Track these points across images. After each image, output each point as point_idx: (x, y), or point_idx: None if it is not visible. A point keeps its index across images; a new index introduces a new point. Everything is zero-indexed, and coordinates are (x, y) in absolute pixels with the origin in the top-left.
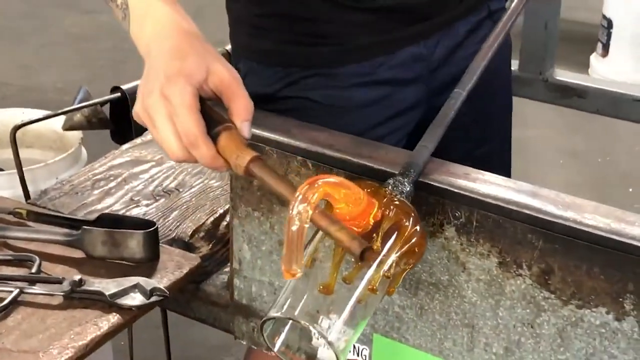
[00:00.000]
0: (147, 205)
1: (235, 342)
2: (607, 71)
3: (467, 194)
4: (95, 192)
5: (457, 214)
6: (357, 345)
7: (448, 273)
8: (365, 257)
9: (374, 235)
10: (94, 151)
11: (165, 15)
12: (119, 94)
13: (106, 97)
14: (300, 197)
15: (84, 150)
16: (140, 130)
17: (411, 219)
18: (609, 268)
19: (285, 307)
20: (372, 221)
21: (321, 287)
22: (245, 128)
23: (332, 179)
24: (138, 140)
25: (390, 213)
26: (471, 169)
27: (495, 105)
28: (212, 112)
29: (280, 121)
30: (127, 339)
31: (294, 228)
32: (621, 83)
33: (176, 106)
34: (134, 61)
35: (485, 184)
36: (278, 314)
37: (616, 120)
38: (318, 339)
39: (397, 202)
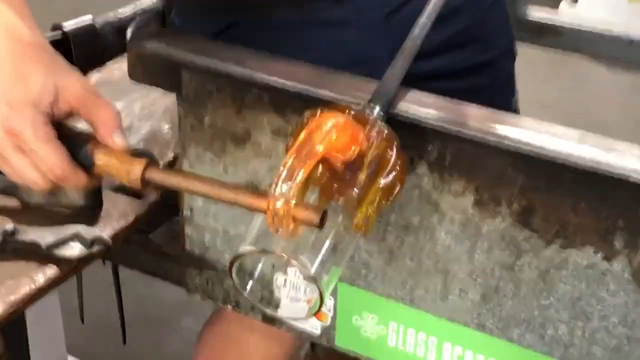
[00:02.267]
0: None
1: (196, 300)
2: (576, 18)
3: (439, 124)
4: None
5: (428, 148)
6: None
7: (419, 214)
8: (324, 223)
9: (359, 167)
10: None
11: (4, 25)
12: (60, 33)
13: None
14: (285, 173)
15: None
16: (85, 68)
17: (394, 148)
18: (597, 203)
19: (257, 242)
20: (354, 150)
21: None
22: (117, 139)
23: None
24: None
25: (375, 141)
26: (443, 97)
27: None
28: (73, 131)
29: (233, 51)
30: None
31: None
32: (597, 21)
33: (29, 141)
34: None
35: (460, 114)
36: (253, 248)
37: (589, 68)
38: (285, 284)
39: (381, 129)
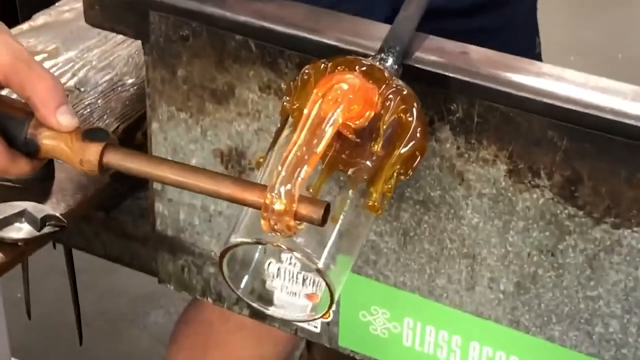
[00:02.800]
0: None
1: (166, 290)
2: None
3: (465, 78)
4: None
5: (452, 107)
6: (321, 283)
7: (440, 187)
8: (325, 218)
9: (373, 135)
10: None
11: None
12: None
13: None
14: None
15: None
16: (28, 12)
17: (414, 110)
18: None
19: (251, 230)
20: (369, 115)
21: None
22: (62, 119)
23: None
24: (25, 26)
25: (392, 104)
26: (470, 45)
27: None
28: (11, 106)
29: None
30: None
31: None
32: None
33: None
34: None
35: (491, 65)
36: (246, 239)
37: (636, 8)
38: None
39: (399, 88)
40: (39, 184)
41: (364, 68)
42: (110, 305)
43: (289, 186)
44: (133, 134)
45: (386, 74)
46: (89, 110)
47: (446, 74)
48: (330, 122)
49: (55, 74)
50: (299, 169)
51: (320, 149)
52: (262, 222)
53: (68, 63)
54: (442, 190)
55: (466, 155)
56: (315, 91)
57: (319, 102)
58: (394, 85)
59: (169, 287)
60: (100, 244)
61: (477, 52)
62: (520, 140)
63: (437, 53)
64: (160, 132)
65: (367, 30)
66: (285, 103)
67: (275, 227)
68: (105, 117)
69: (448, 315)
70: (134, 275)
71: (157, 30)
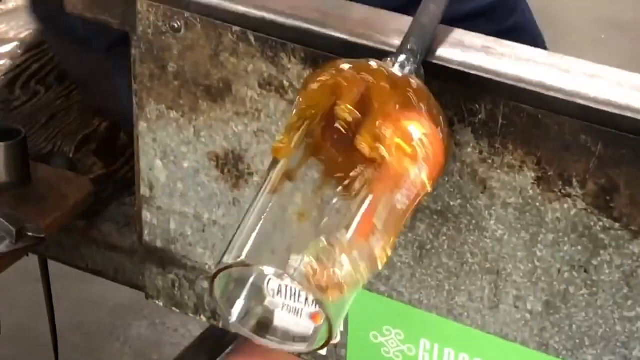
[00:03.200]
0: (14, 108)
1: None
2: None
3: (490, 76)
4: None
5: (474, 108)
6: None
7: (461, 196)
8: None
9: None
10: None
11: None
12: None
13: None
14: None
15: None
16: None
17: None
18: None
19: (247, 249)
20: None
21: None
22: None
23: None
24: None
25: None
26: (495, 39)
27: None
28: None
29: None
30: None
31: None
32: None
33: None
34: None
35: (518, 61)
36: (235, 260)
37: None
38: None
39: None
40: (15, 190)
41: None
42: (88, 317)
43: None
44: (117, 134)
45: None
46: (66, 106)
47: (467, 71)
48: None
49: (32, 66)
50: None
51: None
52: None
53: (45, 53)
54: (462, 199)
55: (490, 161)
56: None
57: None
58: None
59: (156, 303)
60: (80, 256)
61: (502, 47)
62: (550, 145)
63: (457, 47)
64: (149, 132)
65: (381, 22)
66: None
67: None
68: (85, 114)
69: (469, 336)
70: (112, 284)
71: (145, 20)
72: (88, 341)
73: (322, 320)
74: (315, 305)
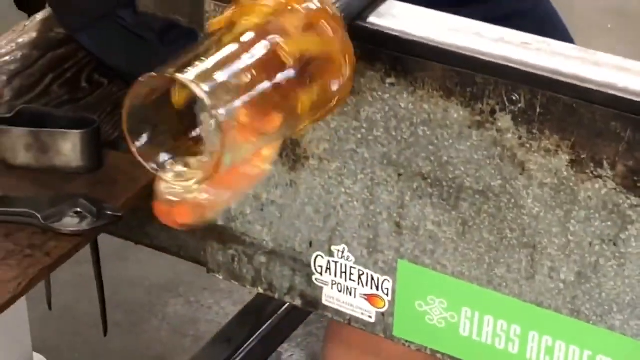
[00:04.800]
0: (80, 98)
1: (184, 279)
2: None
3: (528, 69)
4: (4, 78)
5: (514, 97)
6: (375, 276)
7: (501, 176)
8: None
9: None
10: None
11: None
12: None
13: None
14: None
15: None
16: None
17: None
18: None
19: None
20: None
21: None
22: None
23: None
24: None
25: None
26: (532, 36)
27: None
28: None
29: None
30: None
31: None
32: None
33: None
34: None
35: (553, 56)
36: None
37: None
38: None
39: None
40: (89, 174)
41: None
42: (127, 296)
43: None
44: None
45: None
46: None
47: (509, 65)
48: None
49: (95, 60)
50: None
51: None
52: None
53: None
54: (502, 180)
55: (528, 145)
56: None
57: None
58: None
59: (185, 276)
60: (146, 235)
61: (538, 43)
62: (583, 131)
63: (499, 42)
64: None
65: None
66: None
67: None
68: None
69: (507, 304)
70: (148, 264)
71: (212, 19)
72: (129, 318)
73: (385, 303)
74: (372, 286)
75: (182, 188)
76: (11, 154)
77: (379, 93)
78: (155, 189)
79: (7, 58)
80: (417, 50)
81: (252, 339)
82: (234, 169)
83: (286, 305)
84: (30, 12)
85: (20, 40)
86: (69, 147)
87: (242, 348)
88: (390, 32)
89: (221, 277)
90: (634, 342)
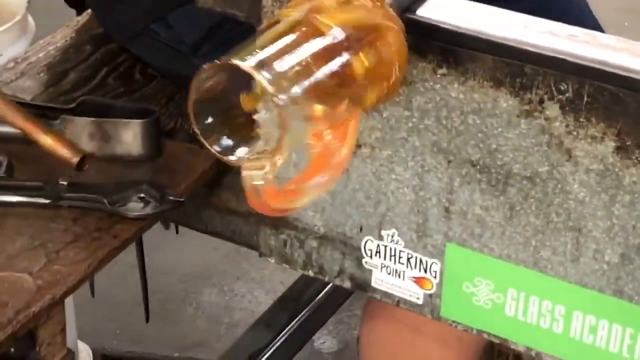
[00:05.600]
0: (135, 90)
1: (217, 268)
2: None
3: (576, 60)
4: (61, 71)
5: (562, 87)
6: (424, 259)
7: (548, 163)
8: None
9: None
10: (43, 20)
11: None
12: None
13: None
14: None
15: (30, 18)
16: None
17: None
18: None
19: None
20: None
21: None
22: None
23: None
24: None
25: None
26: (578, 28)
27: None
28: None
29: None
30: None
31: None
32: None
33: None
34: None
35: (599, 47)
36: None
37: None
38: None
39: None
40: (149, 162)
41: None
42: (161, 284)
43: None
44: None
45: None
46: None
47: (558, 56)
48: None
49: None
50: None
51: None
52: None
53: None
54: (549, 166)
55: (575, 133)
56: None
57: None
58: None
59: (218, 266)
60: (201, 220)
61: (584, 35)
62: (628, 119)
63: (546, 34)
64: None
65: None
66: None
67: None
68: None
69: (552, 285)
70: (181, 254)
71: (269, 14)
72: (164, 306)
73: (432, 285)
74: (420, 269)
75: (260, 174)
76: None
77: (431, 83)
78: (242, 179)
79: (62, 52)
80: (468, 42)
81: (291, 325)
82: (320, 156)
83: (323, 292)
84: (79, 8)
85: (74, 35)
86: (130, 136)
87: (283, 333)
88: (442, 25)
89: (273, 261)
90: None
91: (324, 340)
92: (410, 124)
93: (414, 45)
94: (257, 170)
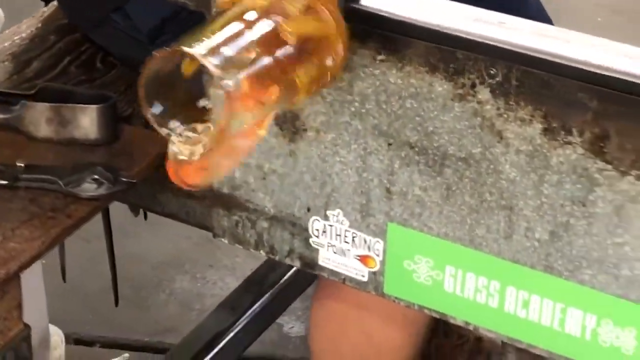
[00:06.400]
0: (96, 78)
1: (189, 256)
2: None
3: (505, 46)
4: (26, 60)
5: (492, 72)
6: (367, 238)
7: (481, 144)
8: None
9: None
10: (11, 9)
11: None
12: None
13: None
14: None
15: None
16: None
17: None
18: None
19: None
20: None
21: None
22: None
23: None
24: None
25: None
26: (507, 16)
27: None
28: None
29: None
30: (58, 257)
31: None
32: None
33: None
34: None
35: (527, 34)
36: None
37: None
38: (325, 231)
39: None
40: (105, 146)
41: None
42: (134, 272)
43: None
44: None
45: None
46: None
47: (488, 42)
48: None
49: None
50: None
51: None
52: None
53: None
54: (482, 148)
55: (505, 116)
56: None
57: None
58: None
59: (190, 254)
60: (157, 202)
61: (514, 22)
62: (554, 102)
63: (478, 22)
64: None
65: None
66: None
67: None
68: None
69: (487, 262)
70: (154, 242)
71: (217, 3)
72: (137, 293)
73: (376, 264)
74: (365, 247)
75: (189, 151)
76: (34, 127)
77: (371, 69)
78: (168, 151)
79: (27, 41)
80: (403, 29)
81: (254, 307)
82: (233, 136)
83: (286, 276)
84: (47, 1)
85: (39, 25)
86: (87, 121)
87: (246, 315)
88: (380, 13)
89: (226, 241)
90: (601, 295)
91: (292, 325)
92: (353, 109)
93: (356, 32)
94: (188, 146)
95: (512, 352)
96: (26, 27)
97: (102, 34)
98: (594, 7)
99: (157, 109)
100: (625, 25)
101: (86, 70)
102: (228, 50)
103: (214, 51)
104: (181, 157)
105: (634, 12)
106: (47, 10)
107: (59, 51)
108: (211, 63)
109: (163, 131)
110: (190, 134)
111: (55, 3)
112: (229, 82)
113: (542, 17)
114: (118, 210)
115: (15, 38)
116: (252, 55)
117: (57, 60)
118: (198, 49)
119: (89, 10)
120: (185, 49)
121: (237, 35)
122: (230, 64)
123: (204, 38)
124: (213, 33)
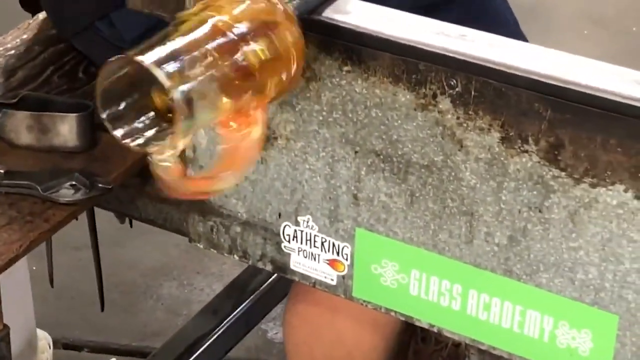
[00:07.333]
0: (77, 88)
1: (177, 263)
2: None
3: (464, 58)
4: (10, 70)
5: (452, 83)
6: (336, 243)
7: (443, 152)
8: None
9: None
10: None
11: None
12: None
13: None
14: None
15: None
16: None
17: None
18: (628, 139)
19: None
20: None
21: None
22: None
23: None
24: None
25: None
26: (468, 29)
27: None
28: None
29: None
30: (46, 263)
31: None
32: None
33: None
34: None
35: (485, 47)
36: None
37: None
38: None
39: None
40: (84, 153)
41: None
42: (123, 278)
43: None
44: None
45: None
46: None
47: (447, 54)
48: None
49: None
50: None
51: None
52: None
53: None
54: (444, 156)
55: (465, 125)
56: None
57: None
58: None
59: (178, 261)
60: (135, 208)
61: (473, 35)
62: (511, 111)
63: (440, 35)
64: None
65: None
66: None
67: None
68: None
69: (450, 266)
70: (143, 249)
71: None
72: (125, 299)
73: (344, 267)
74: (333, 252)
75: (169, 154)
76: (15, 135)
77: (337, 79)
78: (156, 171)
79: (12, 52)
80: (368, 41)
81: (236, 312)
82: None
83: (267, 282)
84: (34, 11)
85: (24, 36)
86: (66, 129)
87: (227, 319)
88: (345, 25)
89: (201, 246)
90: (558, 298)
91: (276, 331)
92: (321, 117)
93: (321, 44)
94: (165, 154)
95: (475, 354)
96: (11, 38)
97: (84, 41)
98: (578, 19)
99: (113, 111)
100: (610, 37)
101: (68, 80)
102: (178, 60)
103: (164, 60)
104: (165, 164)
105: (615, 21)
106: (32, 21)
107: (43, 61)
108: (161, 72)
109: (114, 133)
110: (150, 134)
111: (40, 15)
112: (178, 90)
113: (517, 33)
114: (109, 219)
115: (0, 49)
116: (204, 64)
117: (40, 70)
118: (147, 56)
119: (73, 16)
120: (136, 57)
121: (192, 44)
122: (180, 72)
123: (156, 47)
124: (166, 42)
